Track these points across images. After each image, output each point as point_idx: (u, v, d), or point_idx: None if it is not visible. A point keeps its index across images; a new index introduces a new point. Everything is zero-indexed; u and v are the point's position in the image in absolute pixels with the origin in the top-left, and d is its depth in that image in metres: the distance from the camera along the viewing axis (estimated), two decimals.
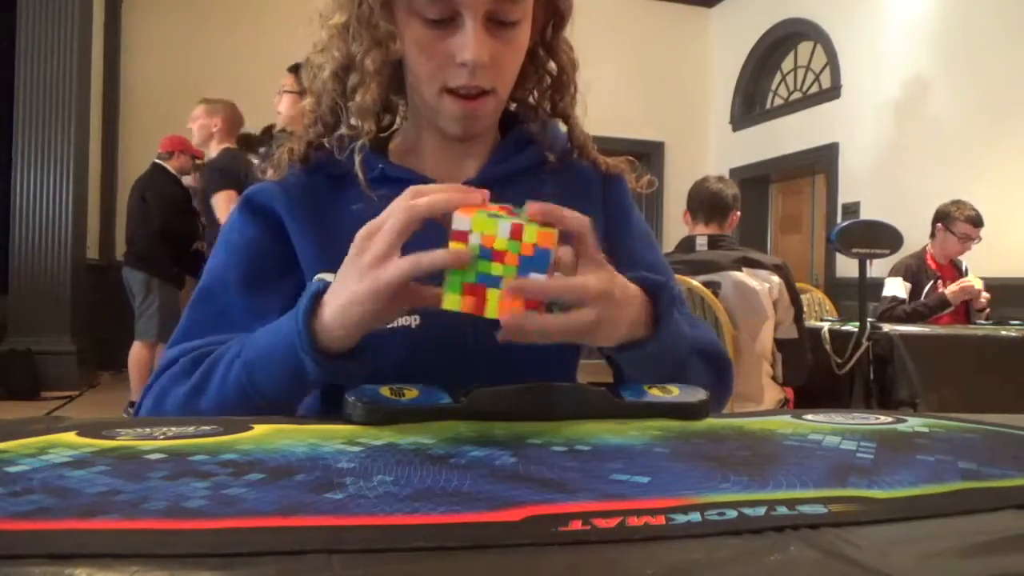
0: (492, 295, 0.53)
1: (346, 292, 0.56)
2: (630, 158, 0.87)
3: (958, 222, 3.40)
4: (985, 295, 3.32)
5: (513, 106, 0.84)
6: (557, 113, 0.83)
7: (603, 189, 0.85)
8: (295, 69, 3.05)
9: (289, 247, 0.76)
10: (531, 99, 0.83)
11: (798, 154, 6.53)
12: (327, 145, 0.77)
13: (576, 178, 0.84)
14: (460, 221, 0.53)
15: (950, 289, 3.32)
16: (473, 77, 0.70)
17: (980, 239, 3.44)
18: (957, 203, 3.45)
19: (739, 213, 2.38)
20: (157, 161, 4.47)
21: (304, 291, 0.61)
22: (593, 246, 0.57)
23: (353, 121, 0.75)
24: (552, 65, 0.81)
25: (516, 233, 0.52)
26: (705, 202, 2.32)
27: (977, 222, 3.40)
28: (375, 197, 0.73)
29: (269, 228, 0.76)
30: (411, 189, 0.56)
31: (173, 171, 4.48)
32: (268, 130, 3.68)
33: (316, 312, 0.58)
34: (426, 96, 0.74)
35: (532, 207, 0.53)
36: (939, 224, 3.47)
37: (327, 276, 0.74)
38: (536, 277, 0.53)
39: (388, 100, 0.81)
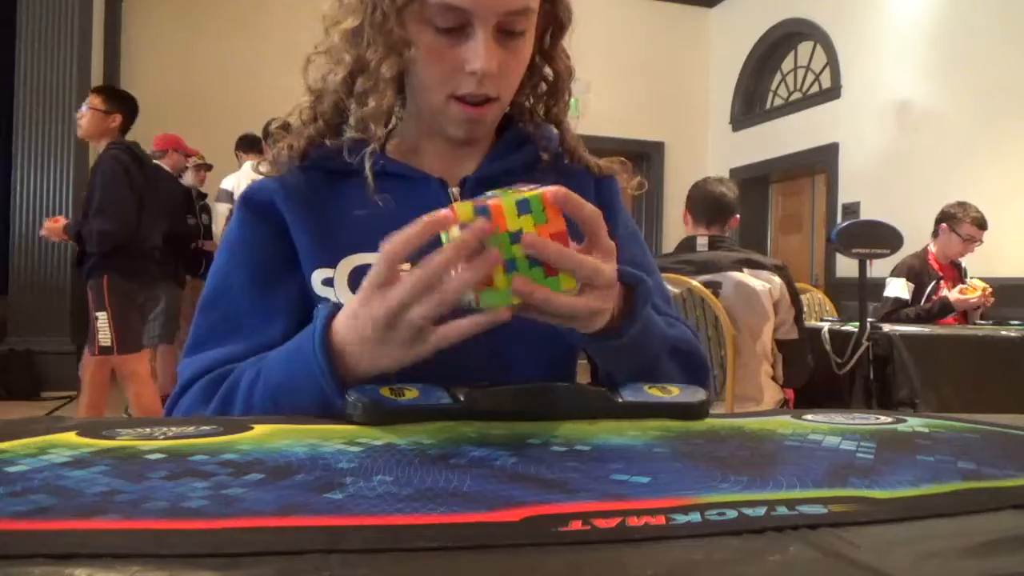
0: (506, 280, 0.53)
1: (383, 362, 0.57)
2: (622, 159, 0.88)
3: (964, 224, 3.40)
4: (988, 298, 3.32)
5: (508, 108, 0.84)
6: (550, 118, 0.84)
7: (596, 188, 0.86)
8: (100, 90, 3.26)
9: (291, 242, 0.76)
10: (526, 103, 0.84)
11: (798, 154, 6.53)
12: (328, 144, 0.77)
13: (570, 177, 0.84)
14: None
15: (955, 296, 3.32)
16: (481, 86, 0.71)
17: (983, 242, 3.44)
18: (962, 205, 3.45)
19: (738, 216, 2.38)
20: (154, 161, 4.46)
21: (315, 316, 0.60)
22: (605, 237, 0.57)
23: (358, 125, 0.75)
24: (548, 71, 0.82)
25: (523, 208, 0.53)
26: (707, 205, 2.32)
27: (982, 224, 3.40)
28: (381, 203, 0.74)
29: (270, 225, 0.77)
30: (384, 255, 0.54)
31: (169, 170, 4.48)
32: (247, 137, 3.70)
33: (333, 339, 0.58)
34: (432, 101, 0.75)
35: (550, 190, 0.54)
36: (944, 224, 3.47)
37: (325, 272, 0.74)
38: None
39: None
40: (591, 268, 0.55)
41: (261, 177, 0.80)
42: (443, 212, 0.53)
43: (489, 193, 0.56)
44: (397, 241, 0.53)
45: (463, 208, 0.52)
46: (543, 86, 0.83)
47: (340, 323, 0.59)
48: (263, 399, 0.62)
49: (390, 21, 0.71)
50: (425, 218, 0.53)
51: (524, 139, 0.83)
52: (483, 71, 0.70)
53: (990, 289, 3.33)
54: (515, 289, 0.52)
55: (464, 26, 0.70)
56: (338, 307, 0.60)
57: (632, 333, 0.64)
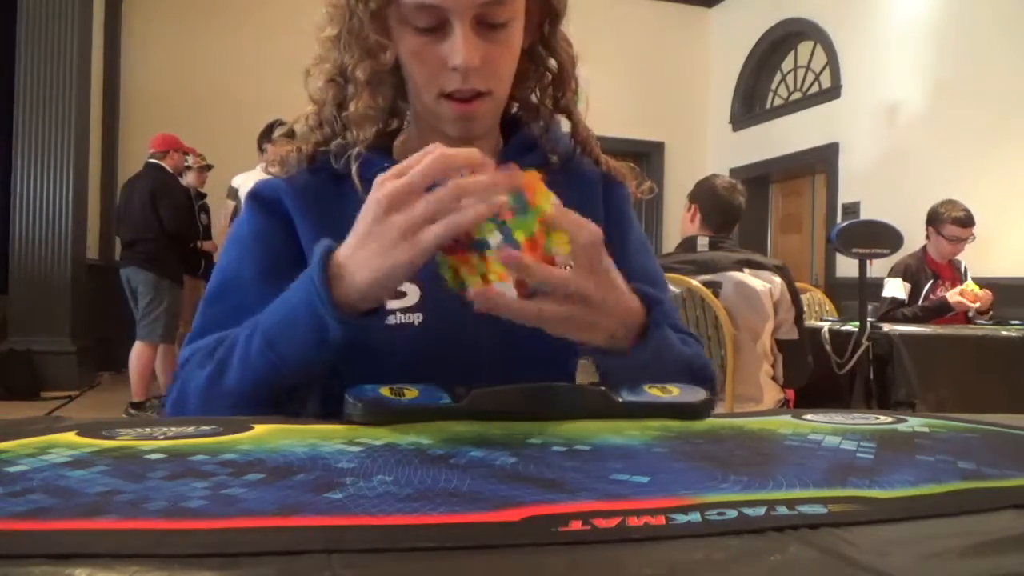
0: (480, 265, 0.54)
1: (379, 262, 0.56)
2: (631, 164, 0.88)
3: (946, 224, 3.40)
4: (988, 300, 3.31)
5: (515, 108, 0.84)
6: (559, 110, 0.83)
7: (604, 192, 0.86)
8: None
9: (297, 241, 0.76)
10: (533, 98, 0.84)
11: (798, 154, 6.53)
12: (331, 149, 0.78)
13: (578, 180, 0.84)
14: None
15: (952, 296, 3.32)
16: (466, 81, 0.71)
17: (973, 238, 3.43)
18: (947, 204, 3.44)
19: None
20: (154, 160, 4.45)
21: (315, 248, 0.61)
22: (595, 255, 0.58)
23: (350, 131, 0.76)
24: (552, 62, 0.82)
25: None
26: (724, 213, 2.31)
27: (965, 223, 3.38)
28: None
29: (278, 221, 0.77)
30: (432, 149, 0.56)
31: (170, 170, 4.47)
32: (271, 126, 3.69)
33: (331, 271, 0.59)
34: (425, 101, 0.75)
35: (558, 210, 0.55)
36: (930, 227, 3.48)
37: None
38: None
39: (396, 106, 0.82)
40: (555, 279, 0.56)
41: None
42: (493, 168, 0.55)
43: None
44: (449, 152, 0.55)
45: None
46: (548, 77, 0.82)
47: (345, 242, 0.59)
48: (261, 346, 0.62)
49: (365, 26, 0.72)
50: (477, 152, 0.55)
51: (532, 143, 0.83)
52: (464, 66, 0.69)
53: (991, 295, 3.32)
54: (473, 298, 0.54)
55: (443, 23, 0.70)
56: (336, 244, 0.61)
57: (645, 355, 0.64)
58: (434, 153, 0.55)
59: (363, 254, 0.57)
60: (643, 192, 0.88)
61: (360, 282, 0.57)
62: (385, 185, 0.56)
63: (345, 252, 0.58)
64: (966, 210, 3.40)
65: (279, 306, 0.63)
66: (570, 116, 0.84)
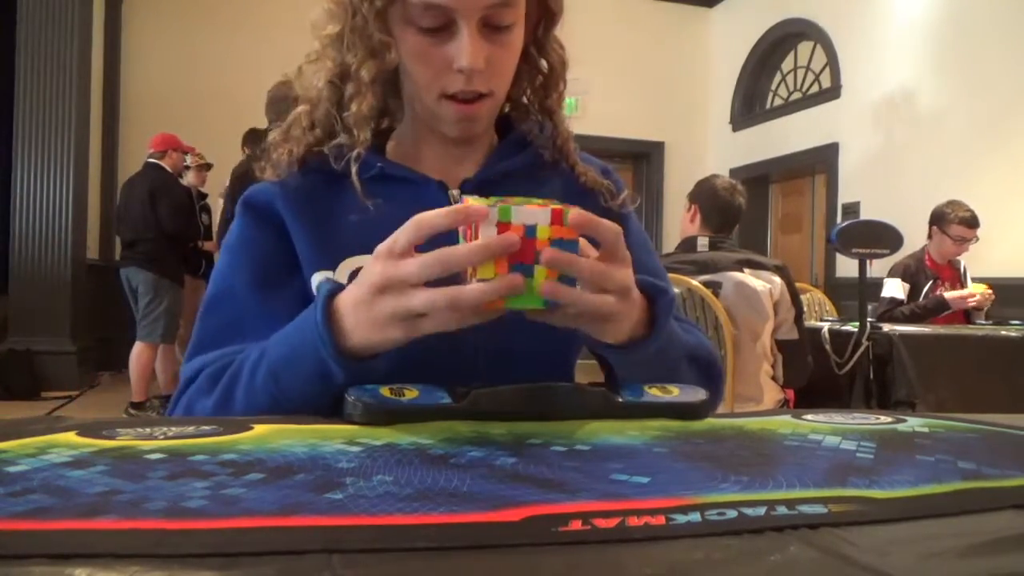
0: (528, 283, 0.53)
1: (372, 333, 0.56)
2: (609, 185, 0.85)
3: (952, 224, 3.39)
4: (988, 299, 3.31)
5: (507, 107, 0.84)
6: (544, 109, 0.83)
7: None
8: None
9: (291, 245, 0.76)
10: (524, 98, 0.83)
11: (798, 154, 6.53)
12: (325, 151, 0.77)
13: (575, 178, 0.84)
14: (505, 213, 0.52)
15: (951, 295, 3.32)
16: (470, 83, 0.71)
17: (977, 239, 3.43)
18: (952, 204, 3.44)
19: None
20: (153, 160, 4.45)
21: (316, 293, 0.60)
22: (622, 248, 0.58)
23: (346, 129, 0.75)
24: (543, 63, 0.81)
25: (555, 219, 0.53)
26: (724, 213, 2.31)
27: (972, 223, 3.38)
28: (371, 207, 0.73)
29: (271, 228, 0.77)
30: (413, 220, 0.55)
31: (170, 170, 4.47)
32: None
33: (334, 315, 0.58)
34: (425, 102, 0.75)
35: (572, 213, 0.54)
36: (934, 226, 3.47)
37: (325, 274, 0.74)
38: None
39: (386, 105, 0.81)
40: (600, 272, 0.56)
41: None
42: (477, 205, 0.53)
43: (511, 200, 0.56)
44: (429, 216, 0.54)
45: (493, 206, 0.53)
46: (540, 79, 0.82)
47: (344, 292, 0.59)
48: (265, 379, 0.62)
49: (369, 24, 0.71)
50: (459, 206, 0.54)
51: (525, 142, 0.83)
52: (470, 67, 0.69)
53: (990, 292, 3.32)
54: (545, 292, 0.52)
55: (448, 24, 0.69)
56: (341, 285, 0.60)
57: (655, 346, 0.64)
58: (411, 226, 0.55)
59: (359, 319, 0.57)
60: (618, 206, 0.85)
61: (356, 340, 0.57)
62: (382, 266, 0.55)
63: (346, 303, 0.58)
64: (971, 210, 3.40)
65: (284, 340, 0.63)
66: (552, 117, 0.83)
